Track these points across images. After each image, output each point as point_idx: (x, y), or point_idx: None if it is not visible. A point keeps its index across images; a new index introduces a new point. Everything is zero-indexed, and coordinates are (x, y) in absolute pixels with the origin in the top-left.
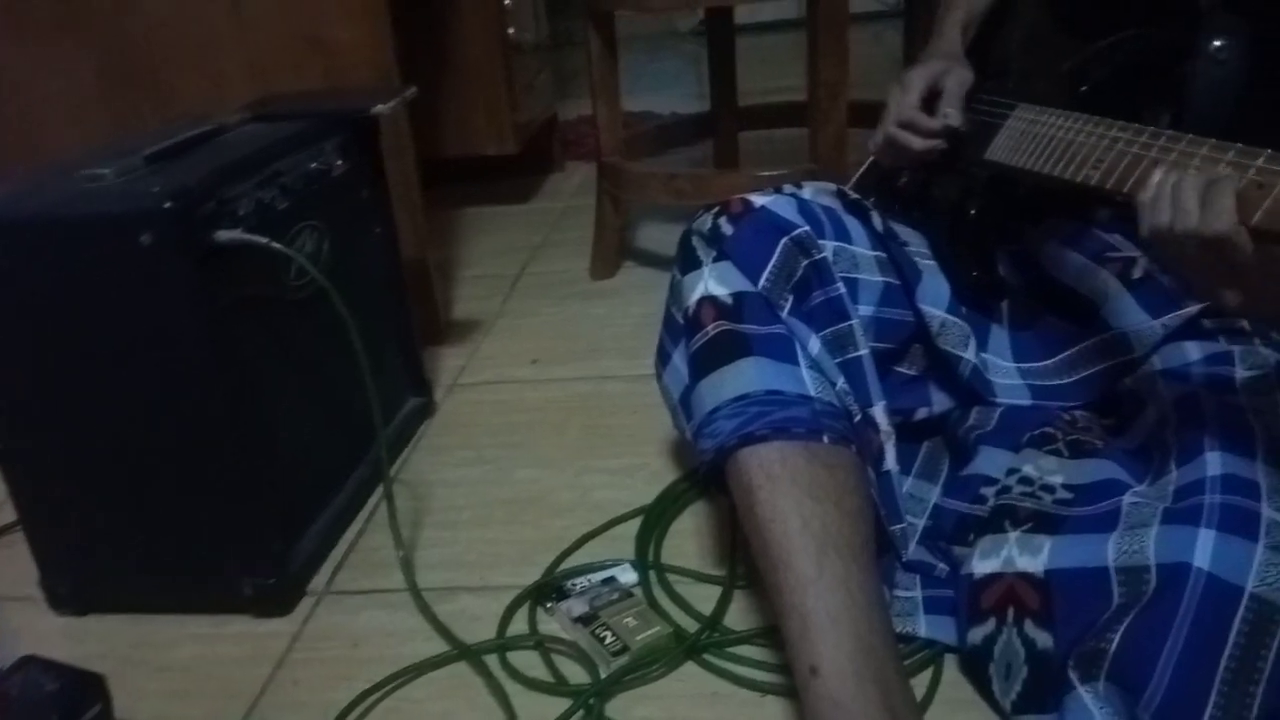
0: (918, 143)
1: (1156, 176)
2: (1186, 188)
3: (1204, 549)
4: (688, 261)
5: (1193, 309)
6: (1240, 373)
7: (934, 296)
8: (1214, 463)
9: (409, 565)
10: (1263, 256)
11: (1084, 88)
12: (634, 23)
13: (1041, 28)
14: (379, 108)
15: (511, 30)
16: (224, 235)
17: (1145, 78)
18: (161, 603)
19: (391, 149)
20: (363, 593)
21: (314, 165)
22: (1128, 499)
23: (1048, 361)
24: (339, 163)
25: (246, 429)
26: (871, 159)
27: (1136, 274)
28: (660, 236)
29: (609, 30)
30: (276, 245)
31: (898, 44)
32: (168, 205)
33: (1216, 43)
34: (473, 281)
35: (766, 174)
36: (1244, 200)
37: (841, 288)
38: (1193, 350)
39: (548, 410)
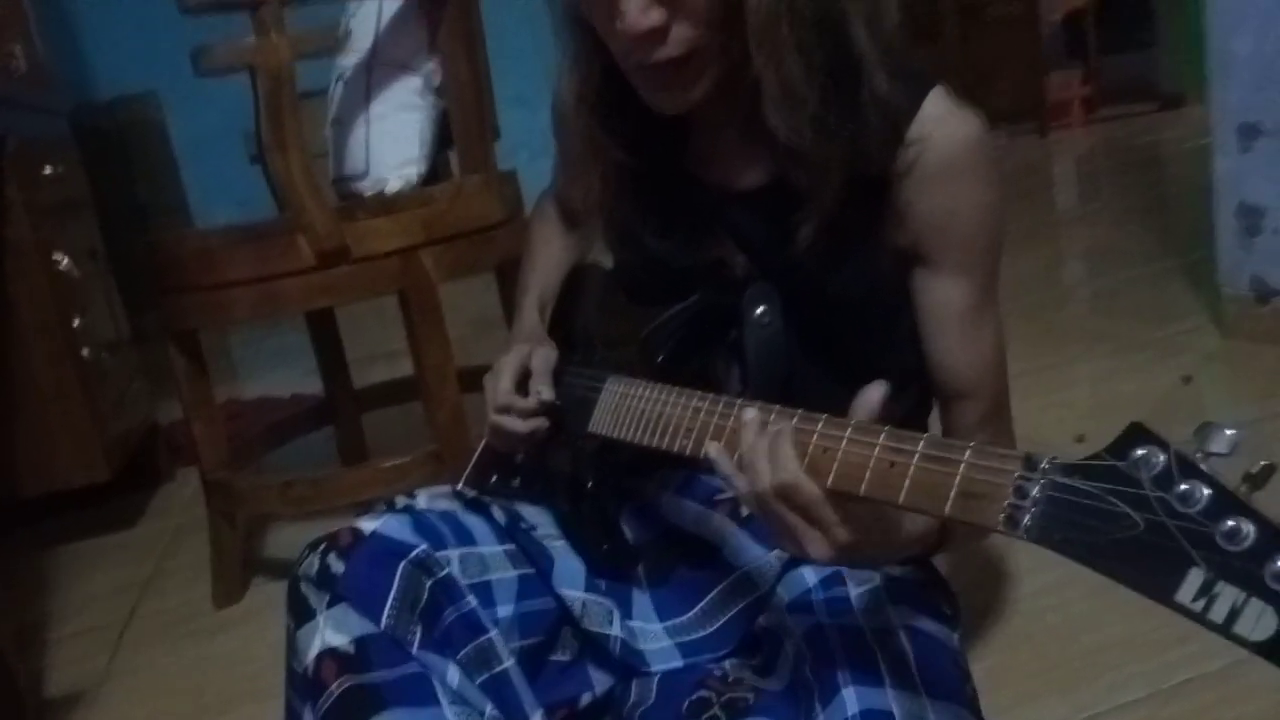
0: (520, 425)
1: (715, 450)
2: (757, 451)
3: None
4: (301, 613)
5: None
6: (853, 591)
7: (570, 578)
8: (850, 700)
9: None
10: (847, 513)
11: (660, 357)
12: None
13: (613, 300)
14: None
15: (86, 351)
16: None
17: (709, 342)
18: None
19: None
20: None
21: None
22: None
23: (689, 614)
24: None
25: None
26: (485, 442)
27: (745, 511)
28: (291, 540)
29: (194, 347)
30: None
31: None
32: None
33: (758, 310)
34: (70, 641)
35: (390, 464)
36: (814, 465)
37: (473, 600)
38: (809, 575)
39: None
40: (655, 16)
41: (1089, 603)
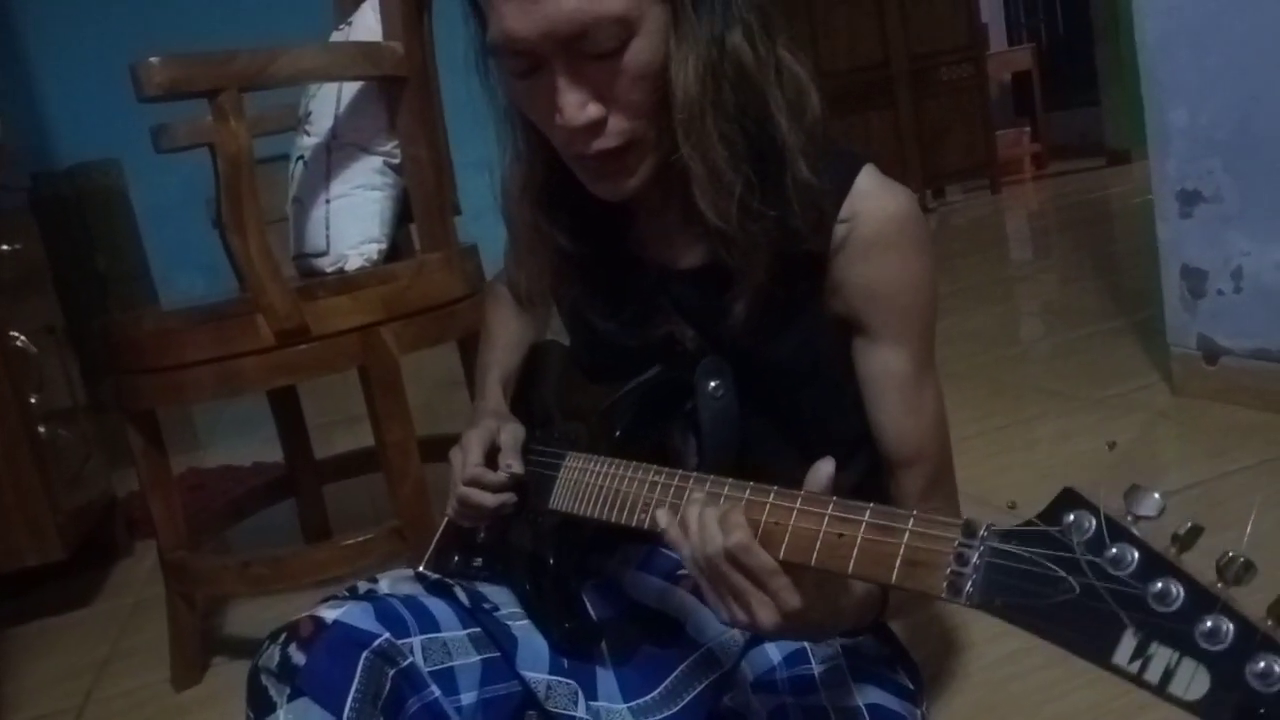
0: (489, 498)
1: (665, 519)
2: (707, 518)
3: None
4: (261, 705)
5: None
6: (817, 668)
7: (534, 660)
8: None
9: None
10: (803, 583)
11: (618, 431)
12: None
13: (571, 379)
14: None
15: (42, 429)
16: None
17: (665, 415)
18: None
19: None
20: None
21: None
22: None
23: (654, 693)
24: None
25: None
26: (446, 520)
27: None
28: (254, 617)
29: (152, 426)
30: None
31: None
32: None
33: (711, 383)
34: None
35: (350, 541)
36: (767, 538)
37: (436, 690)
38: (774, 652)
39: None
40: (592, 111)
41: (1051, 671)
